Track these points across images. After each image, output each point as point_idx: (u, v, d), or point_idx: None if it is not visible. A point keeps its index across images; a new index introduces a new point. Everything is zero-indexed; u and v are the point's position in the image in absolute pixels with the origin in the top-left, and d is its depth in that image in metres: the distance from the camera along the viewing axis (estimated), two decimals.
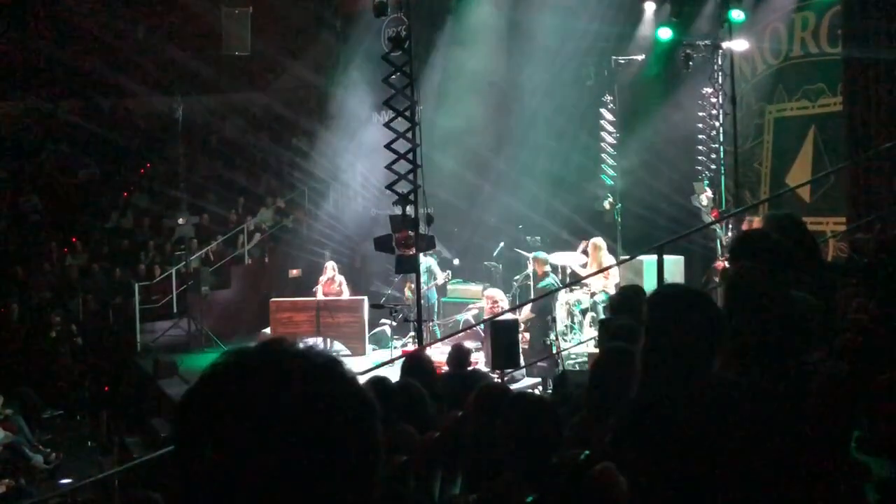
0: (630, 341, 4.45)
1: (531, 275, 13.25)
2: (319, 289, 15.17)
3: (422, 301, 11.04)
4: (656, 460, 2.68)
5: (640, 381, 2.87)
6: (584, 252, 13.29)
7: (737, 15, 12.65)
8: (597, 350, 7.65)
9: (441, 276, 14.42)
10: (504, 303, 12.72)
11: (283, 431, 1.10)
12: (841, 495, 3.04)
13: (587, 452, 3.44)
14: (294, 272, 17.41)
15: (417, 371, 5.88)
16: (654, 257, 9.35)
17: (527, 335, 12.53)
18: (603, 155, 14.70)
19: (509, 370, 10.62)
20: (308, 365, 1.16)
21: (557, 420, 3.44)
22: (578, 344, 12.02)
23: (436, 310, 14.26)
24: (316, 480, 1.10)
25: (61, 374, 15.22)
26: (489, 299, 12.92)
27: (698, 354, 2.78)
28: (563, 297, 12.88)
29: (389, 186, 10.71)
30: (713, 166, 13.41)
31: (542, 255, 13.20)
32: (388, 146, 10.76)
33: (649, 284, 10.36)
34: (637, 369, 3.05)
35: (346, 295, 15.06)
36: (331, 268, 15.36)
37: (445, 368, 8.18)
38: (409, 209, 10.34)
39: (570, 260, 13.59)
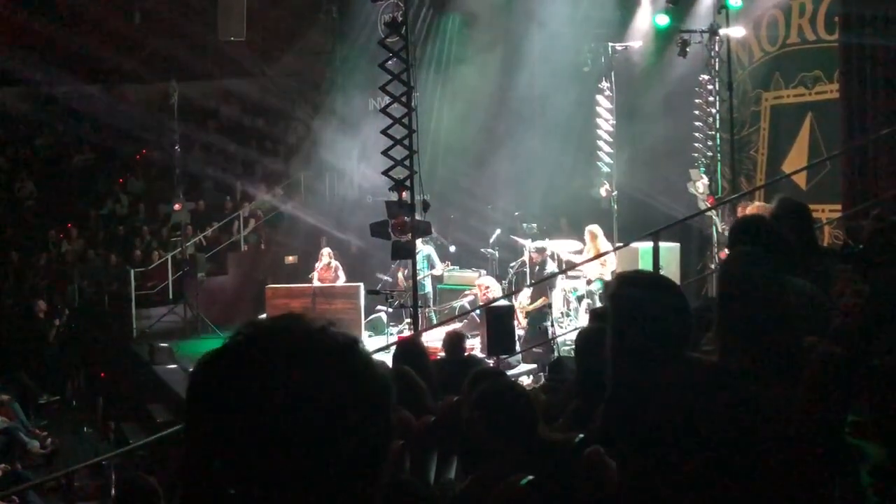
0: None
1: (527, 262, 13.29)
2: (315, 275, 15.18)
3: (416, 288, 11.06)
4: (637, 445, 2.69)
5: (610, 368, 2.87)
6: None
7: (734, 2, 12.63)
8: None
9: (440, 267, 14.43)
10: (496, 290, 12.76)
11: (299, 408, 1.10)
12: (835, 480, 3.05)
13: (581, 436, 3.46)
14: (290, 259, 17.41)
15: (409, 357, 5.89)
16: (650, 244, 9.36)
17: (524, 321, 12.58)
18: (599, 142, 14.68)
19: (505, 356, 10.64)
20: (327, 342, 1.16)
21: (526, 400, 3.45)
22: (574, 330, 12.04)
23: (431, 297, 14.28)
24: (329, 458, 1.10)
25: (57, 359, 15.23)
26: (481, 287, 12.98)
27: (664, 339, 2.77)
28: (560, 283, 12.92)
29: (386, 172, 10.71)
30: (709, 153, 13.39)
31: (541, 244, 13.23)
32: (384, 132, 10.75)
33: None
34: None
35: (341, 281, 15.06)
36: (327, 254, 15.36)
37: (442, 354, 8.21)
38: (406, 195, 10.34)
39: (564, 248, 13.61)
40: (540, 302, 12.66)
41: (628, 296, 2.88)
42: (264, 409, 1.09)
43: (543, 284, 12.65)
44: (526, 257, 13.44)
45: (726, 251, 11.22)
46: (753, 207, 9.49)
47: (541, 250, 13.08)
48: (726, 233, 12.23)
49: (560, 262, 13.55)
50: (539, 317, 12.64)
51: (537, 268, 13.10)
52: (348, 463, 1.12)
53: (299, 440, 1.09)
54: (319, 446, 1.10)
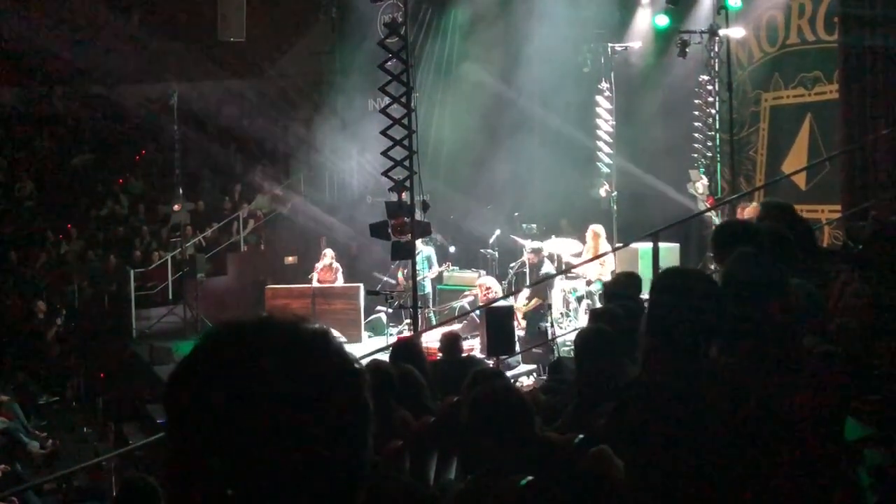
0: (610, 325, 4.48)
1: (526, 262, 13.30)
2: (315, 276, 15.17)
3: (416, 288, 11.05)
4: (653, 443, 2.69)
5: (642, 362, 2.87)
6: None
7: (734, 2, 12.64)
8: None
9: (436, 269, 14.43)
10: (497, 290, 12.75)
11: (272, 403, 1.11)
12: (834, 479, 3.05)
13: (581, 436, 3.46)
14: (290, 259, 17.40)
15: (406, 357, 5.88)
16: (650, 245, 9.36)
17: (523, 322, 12.57)
18: (599, 142, 14.68)
19: (504, 357, 10.63)
20: (296, 336, 1.18)
21: (521, 401, 3.45)
22: (574, 331, 12.02)
23: (431, 298, 14.27)
24: (306, 451, 1.11)
25: (56, 360, 15.22)
26: (482, 287, 12.97)
27: (700, 336, 2.77)
28: (560, 284, 12.91)
29: (385, 173, 10.71)
30: (709, 154, 13.41)
31: (537, 245, 13.24)
32: (384, 132, 10.74)
33: (645, 272, 10.37)
34: (614, 350, 3.03)
35: (340, 282, 15.06)
36: (329, 255, 15.35)
37: (440, 355, 8.21)
38: (405, 195, 10.33)
39: (564, 248, 13.61)
40: (533, 303, 12.61)
41: (667, 296, 2.87)
42: (239, 405, 1.11)
43: (539, 285, 12.64)
44: (525, 258, 13.43)
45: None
46: (752, 209, 9.49)
47: (537, 251, 13.07)
48: None
49: (560, 263, 13.55)
50: (537, 317, 12.62)
51: (534, 269, 13.10)
52: (328, 449, 1.13)
53: (276, 432, 1.11)
54: (297, 435, 1.11)
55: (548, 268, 12.96)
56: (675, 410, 2.68)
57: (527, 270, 13.29)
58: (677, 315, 2.78)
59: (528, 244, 13.50)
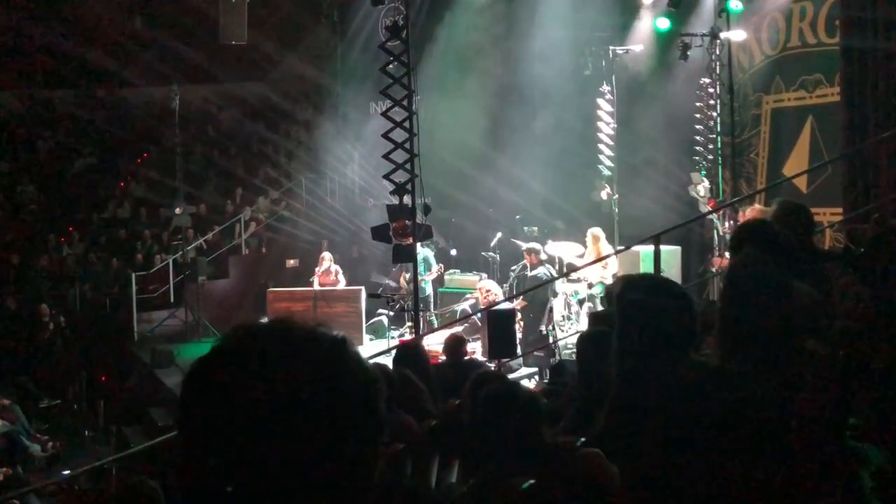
0: (612, 328, 4.48)
1: (527, 265, 13.29)
2: (316, 279, 15.18)
3: (417, 291, 11.06)
4: (639, 448, 2.69)
5: (616, 372, 2.87)
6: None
7: (735, 5, 12.64)
8: None
9: (435, 269, 14.43)
10: (497, 293, 12.73)
11: (289, 408, 1.12)
12: (836, 483, 3.05)
13: (583, 440, 3.46)
14: (291, 262, 17.41)
15: (410, 361, 5.89)
16: (651, 248, 9.36)
17: (521, 323, 12.56)
18: (600, 145, 14.68)
19: (506, 359, 10.63)
20: (315, 342, 1.18)
21: (534, 402, 3.45)
22: (575, 334, 12.01)
23: (431, 300, 14.27)
24: (320, 458, 1.12)
25: (58, 363, 15.22)
26: (482, 290, 12.96)
27: (668, 341, 2.77)
28: (561, 287, 12.90)
29: (387, 176, 10.72)
30: (710, 156, 13.40)
31: (533, 245, 13.22)
32: (385, 135, 10.75)
33: None
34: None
35: (341, 285, 15.07)
36: (327, 258, 15.37)
37: (442, 358, 8.21)
38: (407, 199, 10.34)
39: (566, 251, 13.60)
40: (518, 303, 12.55)
41: (632, 299, 2.88)
42: (257, 408, 1.12)
43: (530, 287, 12.60)
44: (525, 260, 13.42)
45: (727, 255, 11.29)
46: (752, 211, 9.48)
47: (530, 251, 13.03)
48: (727, 236, 12.25)
49: (562, 266, 13.54)
50: (528, 321, 12.59)
51: (533, 270, 13.09)
52: (340, 457, 1.14)
53: (292, 437, 1.11)
54: (312, 442, 1.12)
55: (543, 270, 12.92)
56: (658, 416, 2.67)
57: (528, 273, 13.29)
58: (649, 319, 2.78)
59: (524, 245, 13.50)
